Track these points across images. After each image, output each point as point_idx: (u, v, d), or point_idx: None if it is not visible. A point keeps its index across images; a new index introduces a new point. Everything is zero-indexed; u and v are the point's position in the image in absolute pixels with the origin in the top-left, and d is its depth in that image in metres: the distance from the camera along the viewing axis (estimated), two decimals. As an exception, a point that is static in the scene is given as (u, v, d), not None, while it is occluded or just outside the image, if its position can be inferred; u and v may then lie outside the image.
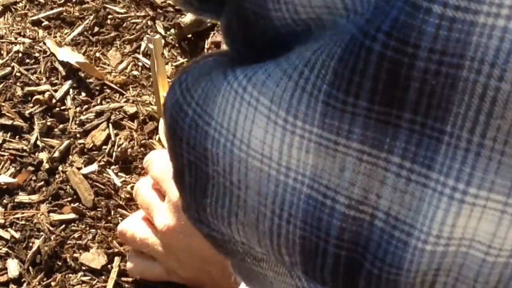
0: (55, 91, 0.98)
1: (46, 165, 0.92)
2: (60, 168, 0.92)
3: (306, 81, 0.33)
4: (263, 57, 0.35)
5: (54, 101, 0.97)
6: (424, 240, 0.32)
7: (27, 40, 1.03)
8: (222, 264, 0.78)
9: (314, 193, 0.34)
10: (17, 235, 0.87)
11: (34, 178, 0.91)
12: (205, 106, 0.36)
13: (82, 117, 0.96)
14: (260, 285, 0.41)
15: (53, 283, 0.84)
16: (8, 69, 1.00)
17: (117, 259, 0.86)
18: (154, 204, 0.82)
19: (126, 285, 0.84)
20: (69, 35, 1.04)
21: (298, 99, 0.33)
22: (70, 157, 0.93)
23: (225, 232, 0.38)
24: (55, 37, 1.04)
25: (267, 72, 0.34)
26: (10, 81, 0.99)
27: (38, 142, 0.94)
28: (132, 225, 0.84)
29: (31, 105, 0.97)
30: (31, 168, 0.92)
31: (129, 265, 0.84)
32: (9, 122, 0.96)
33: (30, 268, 0.85)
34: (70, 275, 0.85)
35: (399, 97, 0.31)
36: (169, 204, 0.80)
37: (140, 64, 1.02)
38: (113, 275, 0.84)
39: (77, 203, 0.89)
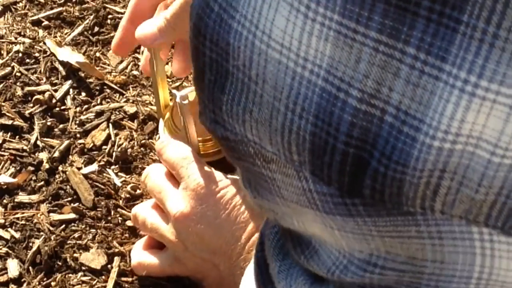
0: (55, 91, 0.98)
1: (46, 165, 0.92)
2: (60, 168, 0.92)
3: None
4: None
5: (54, 101, 0.97)
6: (432, 136, 0.33)
7: (27, 40, 1.03)
8: (230, 258, 0.78)
9: (328, 86, 0.35)
10: (17, 235, 0.87)
11: (34, 178, 0.91)
12: None
13: (82, 117, 0.96)
14: (268, 192, 0.42)
15: (53, 283, 0.84)
16: (8, 69, 1.00)
17: (117, 259, 0.86)
18: (167, 190, 0.82)
19: (126, 285, 0.84)
20: (69, 35, 1.04)
21: None
22: (70, 157, 0.93)
23: (238, 132, 0.40)
24: (55, 37, 1.04)
25: None
26: (10, 81, 0.99)
27: (38, 142, 0.94)
28: (144, 210, 0.84)
29: (31, 105, 0.97)
30: (31, 168, 0.92)
31: (133, 262, 0.84)
32: (9, 122, 0.96)
33: (30, 268, 0.85)
34: (70, 275, 0.85)
35: None
36: (185, 190, 0.80)
37: (140, 64, 1.02)
38: (113, 275, 0.84)
39: (77, 203, 0.89)
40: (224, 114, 0.40)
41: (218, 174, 0.81)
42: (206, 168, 0.81)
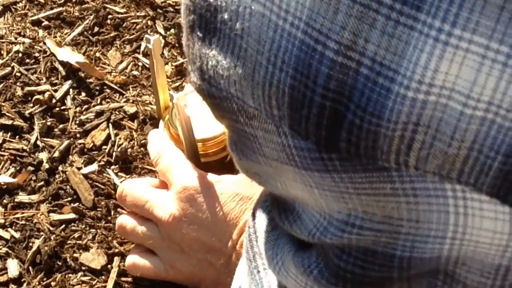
0: (55, 91, 0.99)
1: (46, 165, 0.92)
2: (60, 168, 0.92)
3: None
4: None
5: (54, 101, 0.97)
6: (406, 86, 0.34)
7: (27, 40, 1.03)
8: (224, 255, 0.78)
9: (307, 39, 0.35)
10: (17, 235, 0.87)
11: (34, 178, 0.91)
12: None
13: (82, 117, 0.97)
14: (252, 152, 0.43)
15: (53, 283, 0.84)
16: (8, 69, 1.00)
17: (117, 259, 0.86)
18: (153, 199, 0.82)
19: (126, 285, 0.84)
20: (69, 35, 1.05)
21: None
22: (70, 157, 0.93)
23: (223, 87, 0.40)
24: (55, 37, 1.04)
25: None
26: (10, 81, 0.99)
27: (38, 142, 0.94)
28: (132, 218, 0.84)
29: (31, 105, 0.97)
30: (31, 168, 0.92)
31: (128, 262, 0.84)
32: (9, 122, 0.96)
33: (30, 268, 0.85)
34: (70, 275, 0.85)
35: None
36: (174, 194, 0.80)
37: (140, 64, 1.02)
38: (113, 275, 0.85)
39: (77, 203, 0.89)
40: (211, 70, 0.41)
41: (206, 175, 0.81)
42: (194, 169, 0.81)
